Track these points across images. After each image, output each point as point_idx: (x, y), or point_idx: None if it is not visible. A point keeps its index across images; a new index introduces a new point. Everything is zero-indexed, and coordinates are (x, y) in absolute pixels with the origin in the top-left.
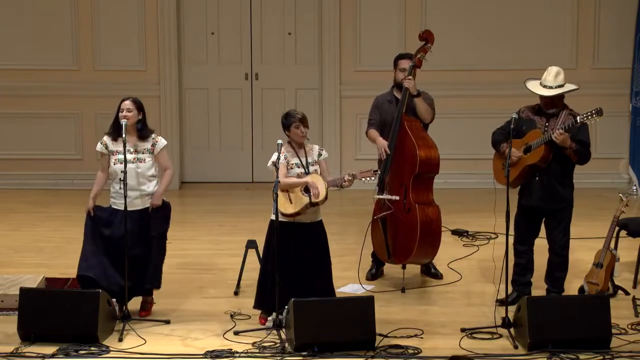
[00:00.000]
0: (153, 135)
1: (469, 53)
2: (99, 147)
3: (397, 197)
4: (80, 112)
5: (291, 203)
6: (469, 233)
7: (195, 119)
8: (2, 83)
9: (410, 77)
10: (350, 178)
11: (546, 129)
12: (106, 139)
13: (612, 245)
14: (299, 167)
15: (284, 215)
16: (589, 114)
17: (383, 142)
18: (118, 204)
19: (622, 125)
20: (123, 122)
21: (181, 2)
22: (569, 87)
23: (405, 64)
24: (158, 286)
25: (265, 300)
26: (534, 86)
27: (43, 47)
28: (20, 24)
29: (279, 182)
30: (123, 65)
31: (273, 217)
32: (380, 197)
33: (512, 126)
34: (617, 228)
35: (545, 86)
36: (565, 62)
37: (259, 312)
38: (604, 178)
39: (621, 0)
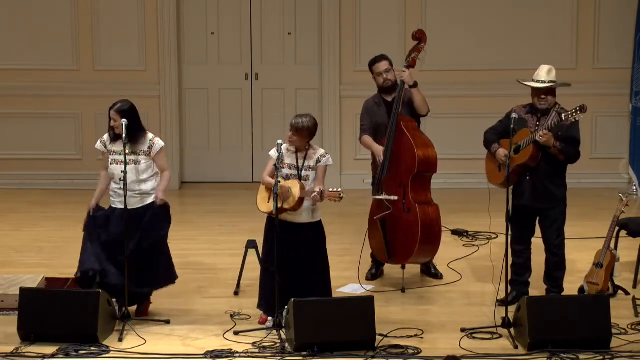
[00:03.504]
0: (150, 137)
1: (469, 53)
2: (99, 145)
3: (396, 197)
4: (80, 112)
5: (268, 202)
6: (469, 233)
7: (195, 119)
8: (2, 83)
9: (404, 68)
10: (317, 195)
11: (536, 128)
12: (105, 137)
13: (612, 245)
14: (290, 169)
15: (260, 211)
16: (573, 111)
17: (379, 148)
18: (116, 202)
19: (622, 125)
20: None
21: (181, 2)
22: (561, 83)
23: (381, 66)
24: (173, 280)
25: (266, 299)
26: (527, 82)
27: (43, 47)
28: (20, 24)
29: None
30: (123, 65)
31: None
32: (379, 197)
33: (512, 126)
34: (617, 228)
35: (538, 81)
36: (565, 62)
37: (258, 312)
38: (604, 178)
39: (621, 0)
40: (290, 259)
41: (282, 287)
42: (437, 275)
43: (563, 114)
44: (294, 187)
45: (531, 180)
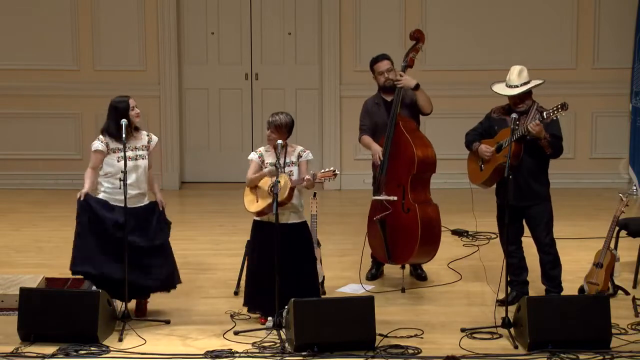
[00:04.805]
0: (145, 132)
1: (469, 53)
2: (100, 145)
3: (395, 198)
4: (80, 112)
5: (257, 202)
6: (469, 233)
7: (195, 119)
8: (2, 83)
9: (401, 72)
10: (309, 178)
11: (517, 126)
12: (107, 137)
13: (612, 245)
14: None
15: (249, 212)
16: (554, 109)
17: (378, 148)
18: (117, 200)
19: (622, 125)
20: (130, 121)
21: (181, 2)
22: (534, 82)
23: (383, 66)
24: (175, 285)
25: (252, 298)
26: (499, 88)
27: (43, 47)
28: (21, 24)
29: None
30: (123, 65)
31: (256, 217)
32: (378, 198)
33: (511, 126)
34: (617, 228)
35: (510, 86)
36: (565, 62)
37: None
38: (604, 178)
39: (621, 0)
40: (281, 259)
41: (271, 289)
42: (422, 277)
43: (544, 112)
44: (282, 179)
45: (514, 178)
